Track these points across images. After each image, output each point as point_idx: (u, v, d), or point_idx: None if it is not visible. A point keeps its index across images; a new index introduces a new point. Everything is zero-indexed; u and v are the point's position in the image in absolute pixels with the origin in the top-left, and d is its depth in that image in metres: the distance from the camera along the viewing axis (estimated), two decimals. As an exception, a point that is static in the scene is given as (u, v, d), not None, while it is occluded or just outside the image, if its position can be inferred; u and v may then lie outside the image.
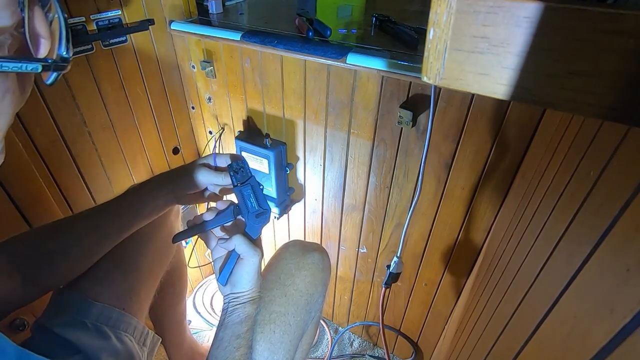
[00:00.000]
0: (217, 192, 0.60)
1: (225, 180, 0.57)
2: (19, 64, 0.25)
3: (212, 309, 1.27)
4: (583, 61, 0.23)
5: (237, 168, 0.57)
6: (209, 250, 1.30)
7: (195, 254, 1.26)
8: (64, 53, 0.28)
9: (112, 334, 0.57)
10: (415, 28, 0.79)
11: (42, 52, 0.27)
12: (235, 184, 0.57)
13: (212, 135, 1.07)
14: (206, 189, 0.60)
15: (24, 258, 0.51)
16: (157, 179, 0.59)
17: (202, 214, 0.58)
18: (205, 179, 0.58)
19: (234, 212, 0.57)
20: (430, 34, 0.27)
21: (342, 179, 0.91)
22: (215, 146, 1.07)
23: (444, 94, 0.67)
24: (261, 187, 0.58)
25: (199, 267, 1.31)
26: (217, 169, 0.60)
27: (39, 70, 0.26)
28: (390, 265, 0.82)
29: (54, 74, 0.28)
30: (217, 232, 0.59)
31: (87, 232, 0.55)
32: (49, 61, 0.27)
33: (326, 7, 1.10)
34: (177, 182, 0.58)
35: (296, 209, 1.07)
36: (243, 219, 0.57)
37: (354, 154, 0.85)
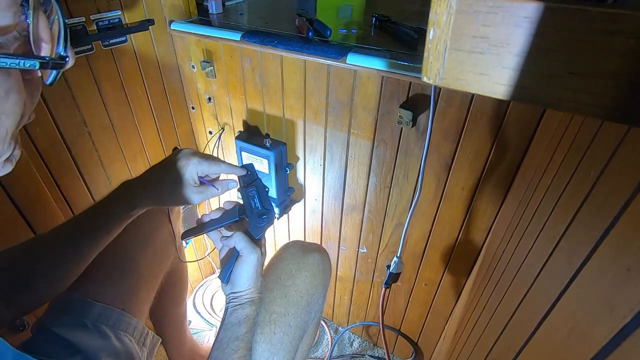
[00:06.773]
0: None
1: (218, 168, 0.56)
2: (17, 60, 0.25)
3: (212, 309, 1.27)
4: (583, 61, 0.23)
5: (245, 171, 0.61)
6: (208, 250, 1.31)
7: (194, 249, 1.26)
8: (62, 51, 0.28)
9: (112, 334, 0.57)
10: (415, 28, 0.79)
11: (43, 55, 0.28)
12: (242, 185, 0.60)
13: (212, 135, 1.07)
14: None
15: (1, 281, 0.49)
16: (138, 189, 0.55)
17: (209, 213, 0.60)
18: (198, 197, 0.56)
19: (239, 212, 0.59)
20: (430, 34, 0.27)
21: (342, 179, 0.91)
22: (214, 146, 1.07)
23: (444, 94, 0.67)
24: (267, 189, 0.61)
25: (197, 260, 1.31)
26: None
27: (37, 67, 0.27)
28: (390, 265, 0.81)
29: (54, 73, 0.28)
30: (224, 231, 0.60)
31: (65, 250, 0.52)
32: (47, 58, 0.27)
33: (326, 7, 1.10)
34: (161, 197, 0.55)
35: (296, 209, 1.07)
36: (247, 219, 0.59)
37: (354, 154, 0.85)
